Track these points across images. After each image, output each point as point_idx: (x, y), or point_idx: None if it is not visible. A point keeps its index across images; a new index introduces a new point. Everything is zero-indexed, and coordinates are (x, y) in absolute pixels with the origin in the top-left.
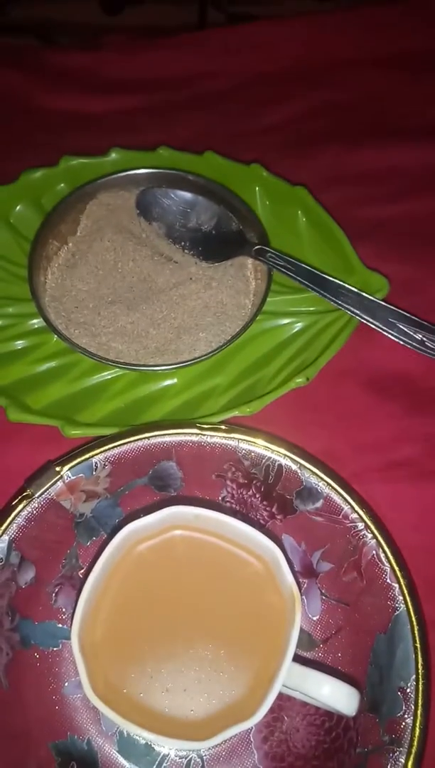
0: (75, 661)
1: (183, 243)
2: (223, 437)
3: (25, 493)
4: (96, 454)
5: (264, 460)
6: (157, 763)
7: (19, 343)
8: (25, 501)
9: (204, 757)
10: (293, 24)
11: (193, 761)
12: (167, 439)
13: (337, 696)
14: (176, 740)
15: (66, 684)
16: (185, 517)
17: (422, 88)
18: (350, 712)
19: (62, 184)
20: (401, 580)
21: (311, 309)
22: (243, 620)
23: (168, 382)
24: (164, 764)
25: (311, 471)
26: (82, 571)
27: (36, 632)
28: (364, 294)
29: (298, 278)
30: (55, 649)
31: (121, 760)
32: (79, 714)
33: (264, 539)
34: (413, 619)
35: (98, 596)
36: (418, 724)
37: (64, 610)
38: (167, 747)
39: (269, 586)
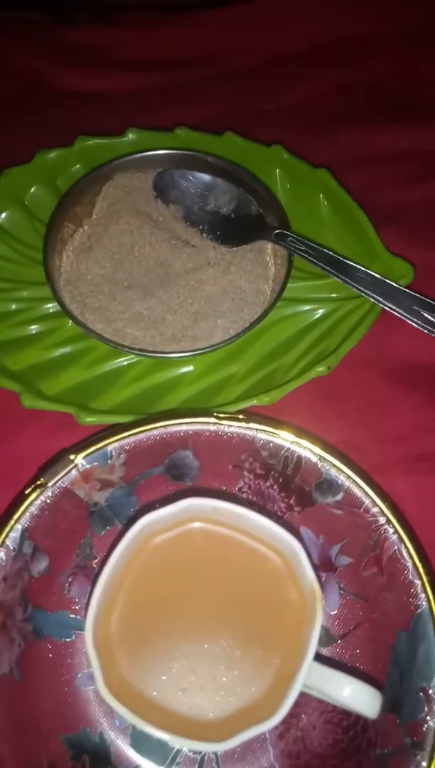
0: (88, 654)
1: (201, 226)
2: (241, 427)
3: (38, 482)
4: (111, 443)
5: (283, 451)
6: (170, 757)
7: (34, 328)
8: (38, 490)
9: (218, 753)
10: (314, 0)
11: (207, 757)
12: (184, 427)
13: (359, 698)
14: (193, 741)
15: (79, 676)
16: (203, 510)
17: None
18: (372, 715)
19: (78, 165)
20: (424, 577)
21: (333, 295)
22: (261, 617)
23: (184, 369)
24: (178, 759)
25: (331, 463)
26: (96, 560)
27: (49, 623)
28: (387, 281)
29: (320, 264)
30: (67, 640)
31: (134, 754)
32: (91, 706)
33: (284, 533)
34: None
35: (113, 589)
36: None
37: (77, 600)
38: (182, 746)
39: (289, 583)
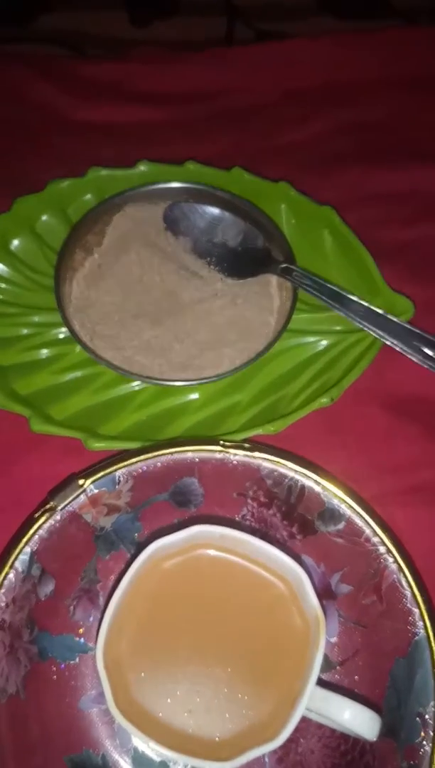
0: (92, 676)
1: (209, 258)
2: (246, 456)
3: (48, 506)
4: (119, 468)
5: (286, 480)
6: None
7: (44, 352)
8: (48, 513)
9: None
10: (321, 43)
11: None
12: (191, 455)
13: (359, 720)
14: (198, 759)
15: (82, 698)
16: (211, 536)
17: None
18: (372, 737)
19: (89, 195)
20: (422, 606)
21: (336, 328)
22: (266, 642)
23: (190, 396)
24: None
25: (334, 493)
26: (100, 584)
27: (53, 645)
28: (389, 316)
29: (324, 298)
30: (72, 662)
31: None
32: (94, 728)
33: (289, 561)
34: (433, 645)
35: (124, 611)
36: None
37: (81, 623)
38: (188, 764)
39: (293, 609)
